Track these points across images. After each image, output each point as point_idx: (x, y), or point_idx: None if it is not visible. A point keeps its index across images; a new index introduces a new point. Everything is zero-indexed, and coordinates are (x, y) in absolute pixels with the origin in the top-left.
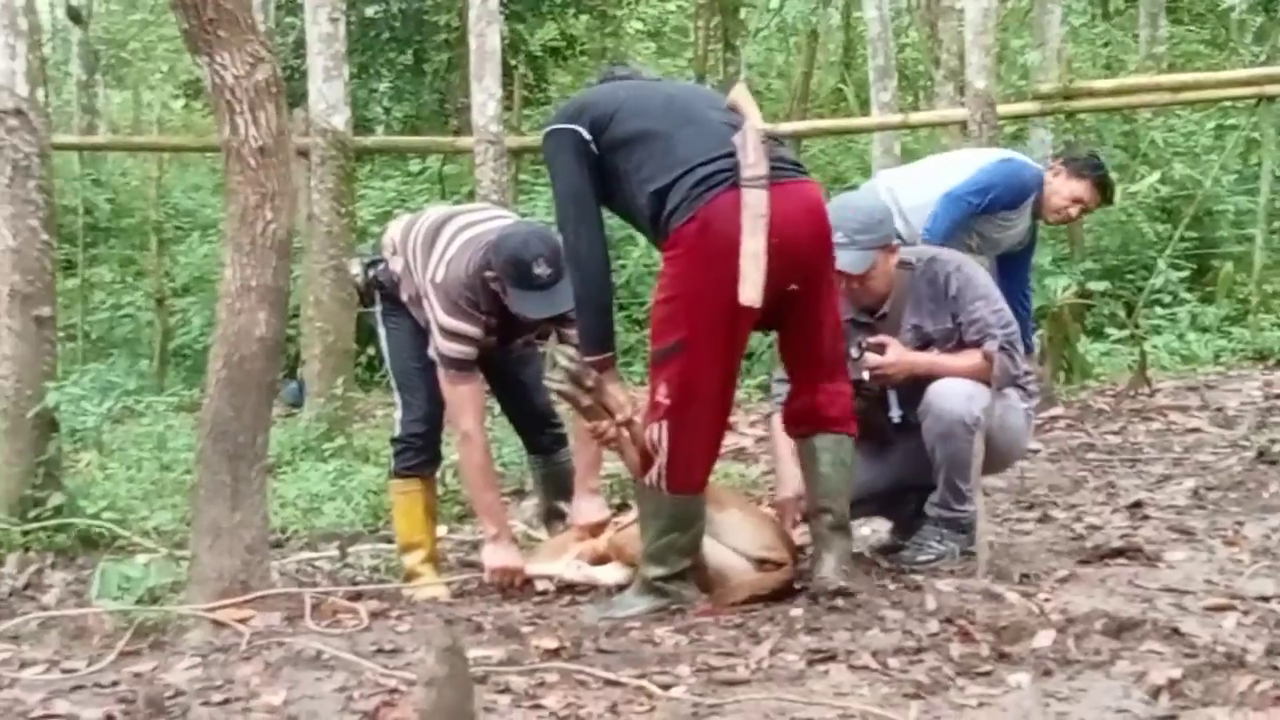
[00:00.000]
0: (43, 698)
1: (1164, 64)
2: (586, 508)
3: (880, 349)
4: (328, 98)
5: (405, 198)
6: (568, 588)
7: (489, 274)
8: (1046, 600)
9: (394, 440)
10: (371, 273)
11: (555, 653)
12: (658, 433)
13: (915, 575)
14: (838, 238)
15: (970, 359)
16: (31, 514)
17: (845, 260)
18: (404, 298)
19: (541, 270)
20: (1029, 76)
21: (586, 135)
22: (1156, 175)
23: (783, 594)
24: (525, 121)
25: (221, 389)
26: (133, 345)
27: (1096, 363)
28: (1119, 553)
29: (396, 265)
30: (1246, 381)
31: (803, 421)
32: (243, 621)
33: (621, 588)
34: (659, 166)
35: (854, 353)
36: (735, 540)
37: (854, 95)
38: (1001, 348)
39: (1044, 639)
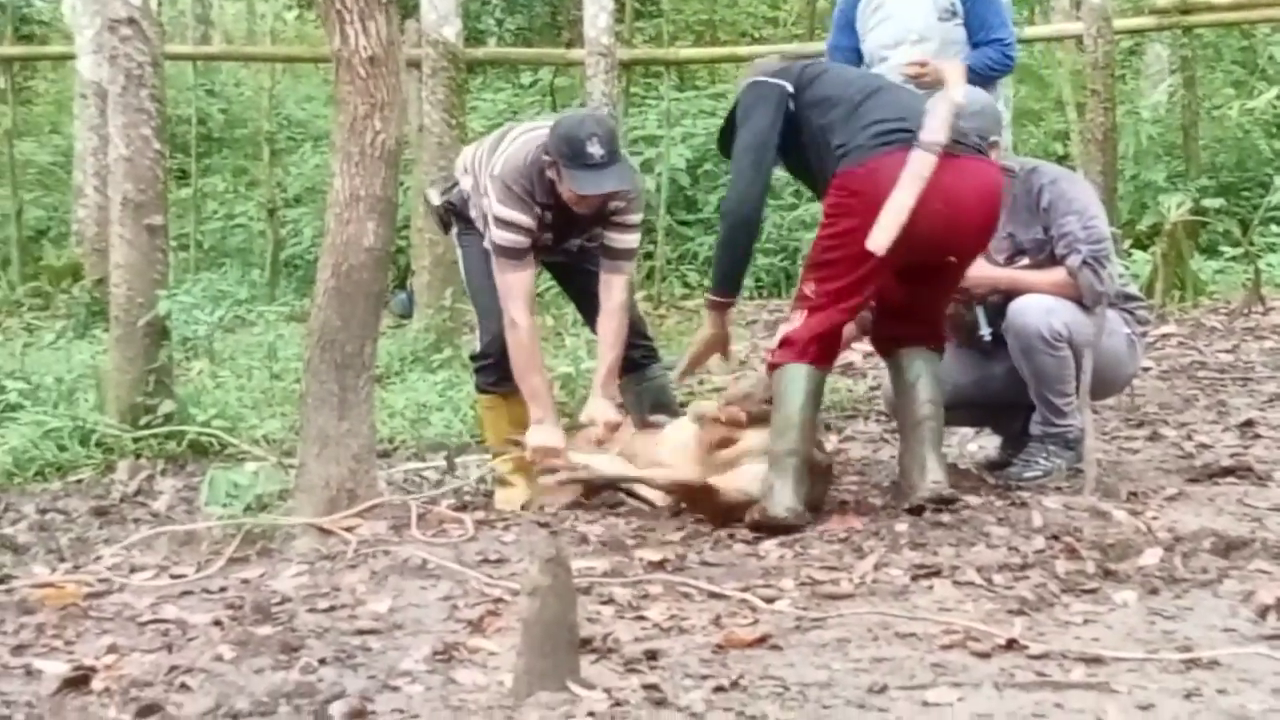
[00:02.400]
0: (151, 603)
1: None
2: (602, 408)
3: None
4: (439, 8)
5: (516, 110)
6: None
7: (545, 158)
8: (1154, 518)
9: (472, 357)
10: (446, 197)
11: (659, 565)
12: (796, 317)
13: (1022, 492)
14: None
15: (1055, 274)
16: (142, 421)
17: None
18: (473, 215)
19: (595, 149)
20: None
21: (790, 89)
22: (1275, 91)
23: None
24: (637, 34)
25: (330, 298)
26: (244, 255)
27: (1210, 280)
28: (1228, 471)
29: (467, 184)
30: None
31: (891, 337)
32: (349, 530)
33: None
34: (847, 125)
35: None
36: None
37: None
38: (1085, 263)
39: (1151, 557)
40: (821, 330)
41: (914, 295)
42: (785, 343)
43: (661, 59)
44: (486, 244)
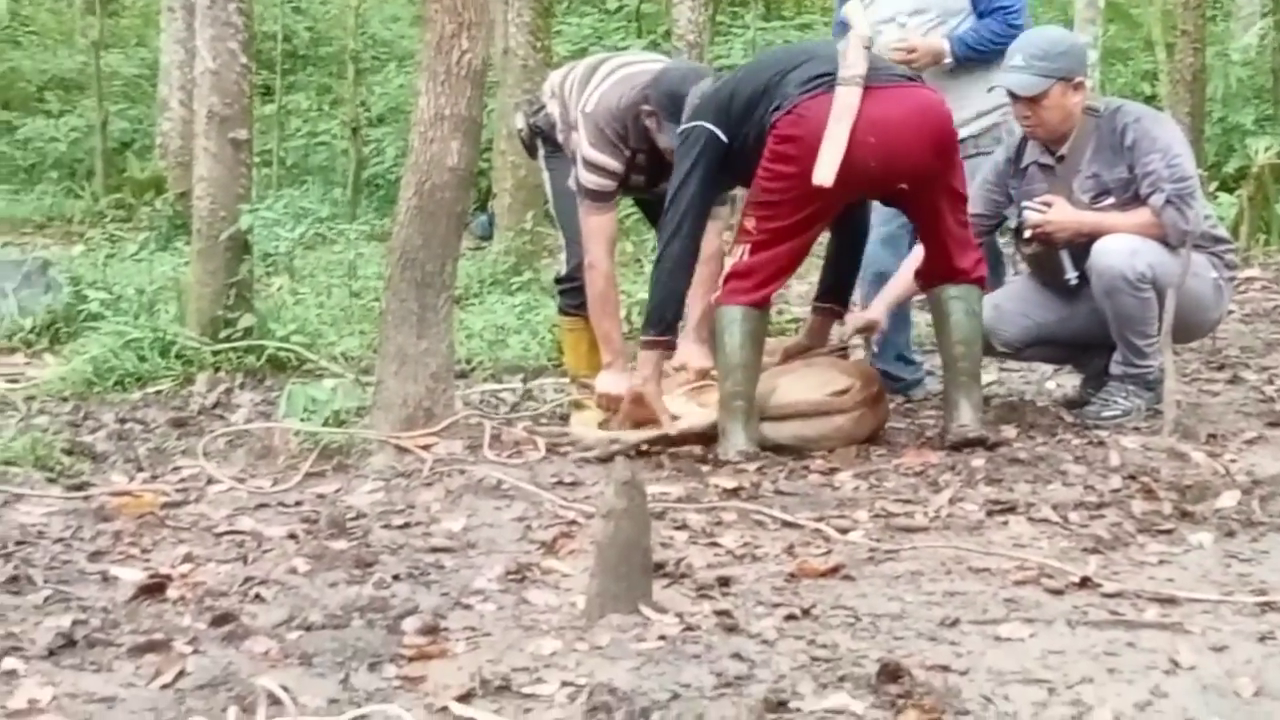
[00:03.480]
0: (228, 514)
1: None
2: (696, 352)
3: (1045, 206)
4: None
5: (601, 35)
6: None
7: (645, 108)
8: (1233, 461)
9: (557, 280)
10: (533, 120)
11: (734, 492)
12: (739, 251)
13: (1100, 431)
14: (1016, 59)
15: (1139, 215)
16: (222, 335)
17: (1013, 80)
18: (560, 140)
19: None
20: None
21: (720, 134)
22: None
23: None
24: None
25: (412, 217)
26: (327, 173)
27: None
28: None
29: (555, 109)
30: None
31: (932, 274)
32: (425, 448)
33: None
34: (777, 92)
35: (1019, 215)
36: (792, 397)
37: None
38: (1169, 201)
39: (1228, 499)
40: (765, 269)
41: (912, 218)
42: (730, 278)
43: None
44: (571, 183)
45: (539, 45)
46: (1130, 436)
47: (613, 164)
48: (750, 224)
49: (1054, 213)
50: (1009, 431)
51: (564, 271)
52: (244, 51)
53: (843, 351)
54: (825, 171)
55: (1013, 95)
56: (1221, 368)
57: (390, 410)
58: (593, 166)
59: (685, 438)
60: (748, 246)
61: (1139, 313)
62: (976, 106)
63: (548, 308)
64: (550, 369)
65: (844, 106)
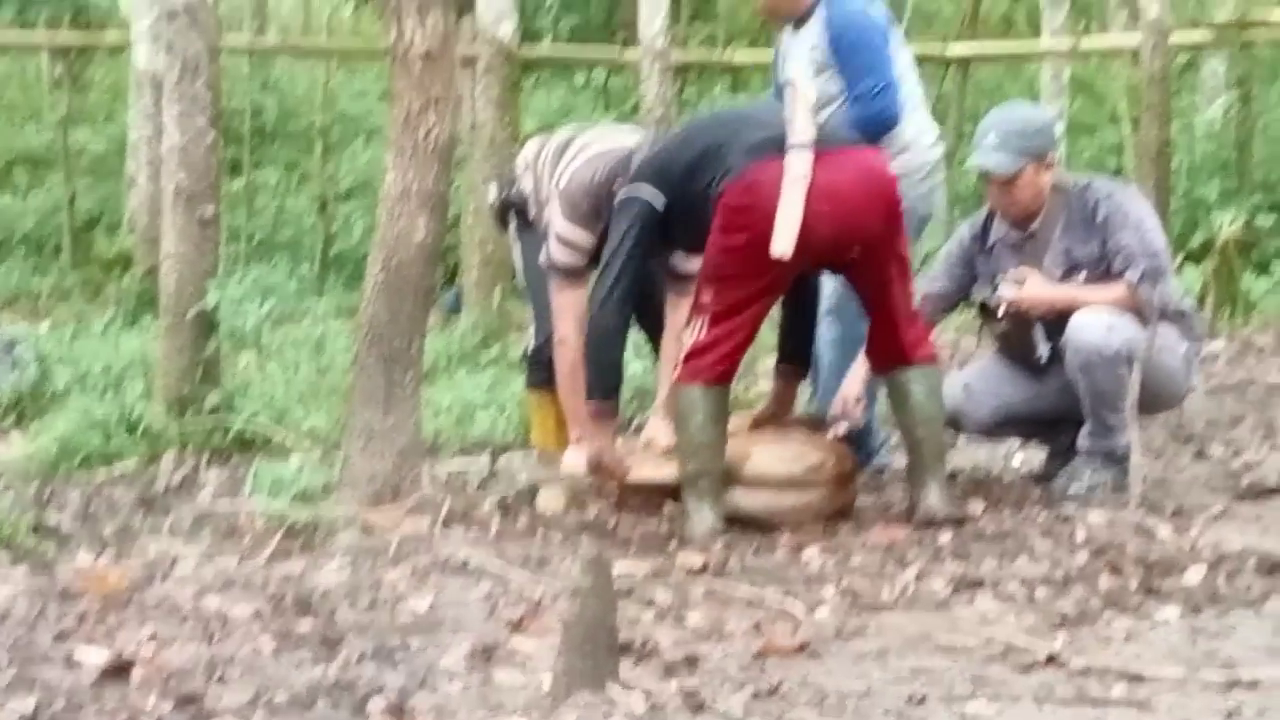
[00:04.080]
0: (194, 593)
1: None
2: (663, 429)
3: (1020, 281)
4: (495, 6)
5: (569, 109)
6: None
7: (616, 185)
8: (1199, 536)
9: (526, 354)
10: (505, 193)
11: (701, 569)
12: (697, 325)
13: (1067, 506)
14: (990, 139)
15: (1114, 290)
16: (189, 412)
17: (992, 161)
18: (533, 214)
19: None
20: (1204, 4)
21: (648, 196)
22: None
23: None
24: (692, 37)
25: (379, 293)
26: (294, 248)
27: (1260, 298)
28: (1275, 491)
29: (528, 182)
30: None
31: (886, 358)
32: (392, 526)
33: None
34: (719, 159)
35: (990, 291)
36: (767, 469)
37: (1025, 20)
38: (1144, 276)
39: (1194, 575)
40: (723, 344)
41: (859, 289)
42: (689, 357)
43: (716, 62)
44: (542, 258)
45: (506, 120)
46: (1097, 511)
47: (584, 239)
48: (706, 297)
49: (1029, 288)
50: (975, 506)
51: (532, 346)
52: (212, 127)
53: (816, 422)
54: (783, 242)
55: (986, 176)
56: (1187, 441)
57: (357, 487)
58: (564, 242)
59: (646, 488)
60: (704, 321)
61: (1114, 388)
62: None
63: (515, 383)
64: (518, 444)
65: (796, 174)
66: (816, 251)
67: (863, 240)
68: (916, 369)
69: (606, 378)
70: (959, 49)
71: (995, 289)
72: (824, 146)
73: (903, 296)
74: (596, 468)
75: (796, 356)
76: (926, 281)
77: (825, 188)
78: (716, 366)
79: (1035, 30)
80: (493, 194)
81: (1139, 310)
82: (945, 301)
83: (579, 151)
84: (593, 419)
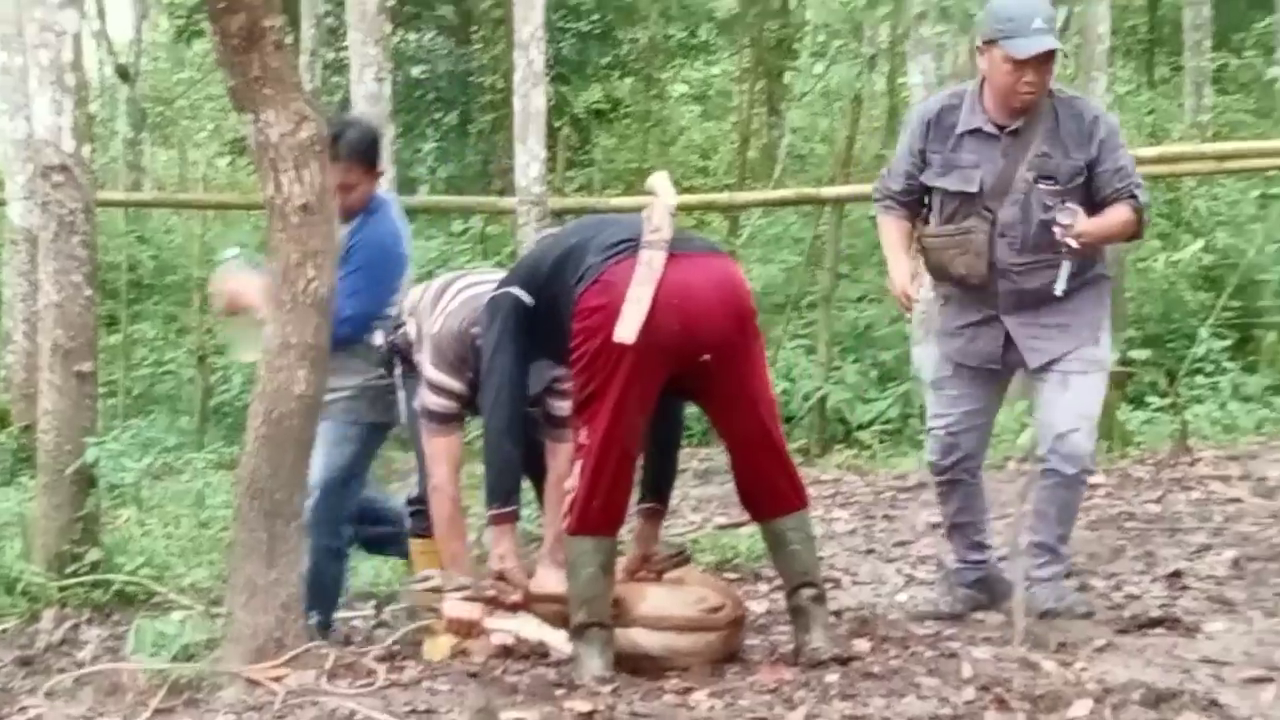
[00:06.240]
0: None
1: (1208, 133)
2: (554, 578)
3: (1072, 218)
4: None
5: (448, 258)
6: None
7: (474, 330)
8: (1084, 669)
9: (409, 501)
10: (390, 338)
11: (589, 716)
12: (579, 470)
13: (951, 643)
14: (1038, 23)
15: (1121, 215)
16: (69, 569)
17: (1050, 40)
18: (416, 359)
19: None
20: None
21: (517, 293)
22: (1200, 244)
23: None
24: (568, 183)
25: (260, 446)
26: (174, 402)
27: (1137, 431)
28: (1157, 623)
29: (412, 327)
30: None
31: (758, 506)
32: (277, 680)
33: None
34: (579, 262)
35: (1058, 226)
36: (668, 610)
37: None
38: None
39: (1081, 709)
40: (606, 489)
41: (718, 419)
42: (577, 506)
43: (592, 208)
44: (416, 404)
45: None
46: (982, 647)
47: (455, 385)
48: (581, 435)
49: (1084, 222)
50: (861, 645)
51: (416, 493)
52: (89, 283)
53: (679, 556)
54: (627, 328)
55: (1041, 57)
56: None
57: (240, 642)
58: (436, 388)
59: (550, 598)
60: (586, 465)
61: (1078, 503)
62: None
63: None
64: (401, 594)
65: (648, 268)
66: (664, 347)
67: (714, 342)
68: (791, 517)
69: (504, 480)
70: (832, 191)
71: (1063, 232)
72: (680, 249)
73: (766, 423)
74: (499, 578)
75: (656, 493)
76: (892, 179)
77: (676, 284)
78: (604, 516)
79: None
80: (379, 339)
81: (1138, 233)
82: (906, 195)
83: (453, 297)
84: (493, 525)
